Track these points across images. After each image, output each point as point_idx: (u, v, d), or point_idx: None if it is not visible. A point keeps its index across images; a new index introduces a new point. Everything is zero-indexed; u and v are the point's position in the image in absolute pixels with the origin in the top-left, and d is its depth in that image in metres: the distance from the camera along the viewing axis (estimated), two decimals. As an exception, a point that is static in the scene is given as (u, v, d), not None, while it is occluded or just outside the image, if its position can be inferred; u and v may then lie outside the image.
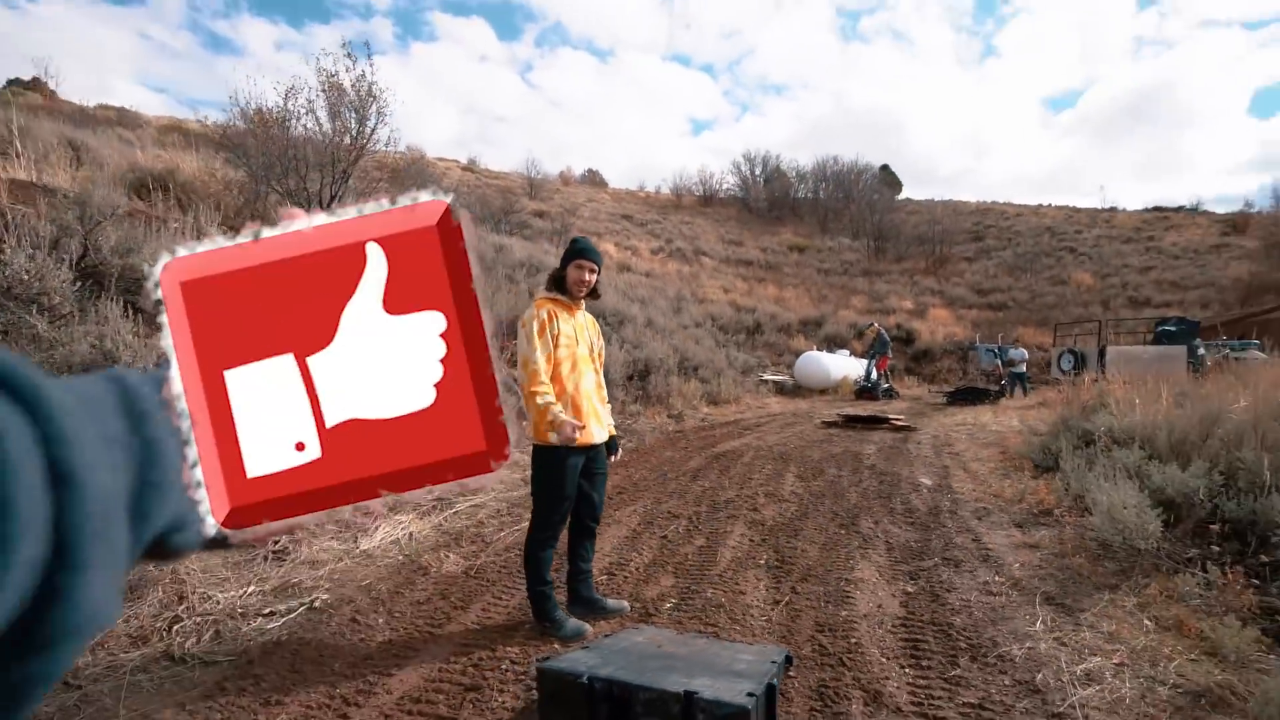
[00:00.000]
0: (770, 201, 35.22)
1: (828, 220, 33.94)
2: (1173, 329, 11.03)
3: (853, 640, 2.49)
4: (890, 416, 8.44)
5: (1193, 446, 3.86)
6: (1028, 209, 35.66)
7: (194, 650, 2.30)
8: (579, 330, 2.45)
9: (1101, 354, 11.15)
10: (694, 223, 32.89)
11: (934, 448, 6.59)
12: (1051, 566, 3.22)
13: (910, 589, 2.98)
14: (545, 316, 2.37)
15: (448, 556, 3.38)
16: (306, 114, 6.18)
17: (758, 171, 37.73)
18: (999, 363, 13.55)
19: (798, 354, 17.12)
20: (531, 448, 2.45)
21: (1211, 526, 3.12)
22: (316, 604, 2.75)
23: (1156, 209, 32.99)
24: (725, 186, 37.12)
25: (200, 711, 1.97)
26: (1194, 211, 31.38)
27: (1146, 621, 2.59)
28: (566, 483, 2.41)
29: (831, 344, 18.01)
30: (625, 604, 2.71)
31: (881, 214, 30.91)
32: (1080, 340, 14.21)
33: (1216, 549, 2.90)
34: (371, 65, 6.57)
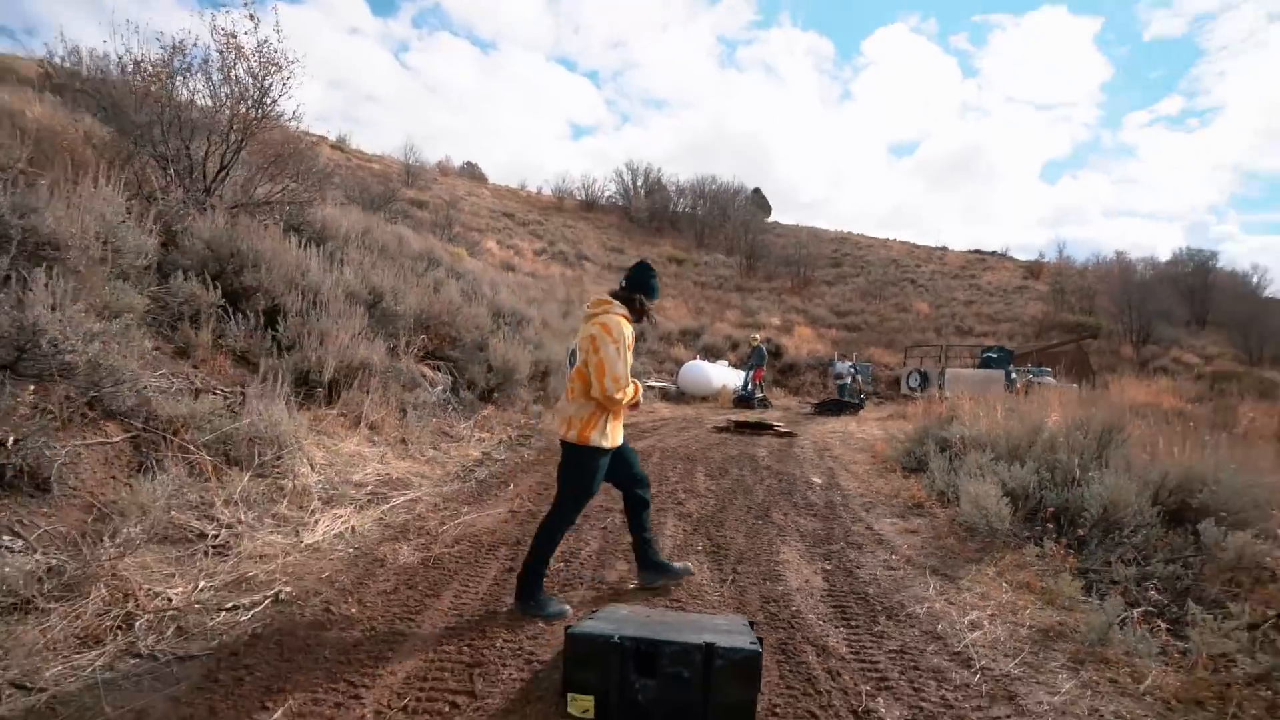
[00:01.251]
0: (651, 212, 36.58)
1: (704, 236, 35.88)
2: (994, 355, 13.38)
3: (793, 609, 2.98)
4: (774, 424, 9.35)
5: (1024, 450, 4.91)
6: (877, 241, 40.30)
7: (162, 647, 2.21)
8: None
9: (942, 374, 13.16)
10: (576, 227, 33.25)
11: (815, 451, 7.48)
12: (931, 547, 3.99)
13: (828, 567, 3.56)
14: (631, 337, 2.63)
15: (399, 548, 3.42)
16: (198, 73, 5.60)
17: (639, 182, 38.95)
18: (853, 372, 15.16)
19: (679, 362, 18.05)
20: (571, 448, 2.64)
21: (1040, 512, 4.06)
22: (281, 596, 2.72)
23: (976, 251, 38.93)
24: (607, 194, 37.88)
25: (197, 703, 1.95)
26: (1003, 256, 37.49)
27: (1004, 584, 3.37)
28: (596, 481, 2.68)
29: (709, 354, 19.20)
30: (690, 566, 3.12)
31: (754, 234, 33.35)
32: (925, 362, 16.52)
33: (1047, 528, 3.80)
34: (279, 32, 6.11)
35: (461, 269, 10.83)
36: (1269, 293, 26.31)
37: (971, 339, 21.76)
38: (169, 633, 2.29)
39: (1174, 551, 3.38)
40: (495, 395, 7.92)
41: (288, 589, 2.74)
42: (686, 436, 8.14)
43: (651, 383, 14.63)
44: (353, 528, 3.62)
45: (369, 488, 4.19)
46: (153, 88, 5.28)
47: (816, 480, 5.90)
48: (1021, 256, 37.87)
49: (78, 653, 2.10)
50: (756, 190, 45.67)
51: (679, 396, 14.32)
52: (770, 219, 43.04)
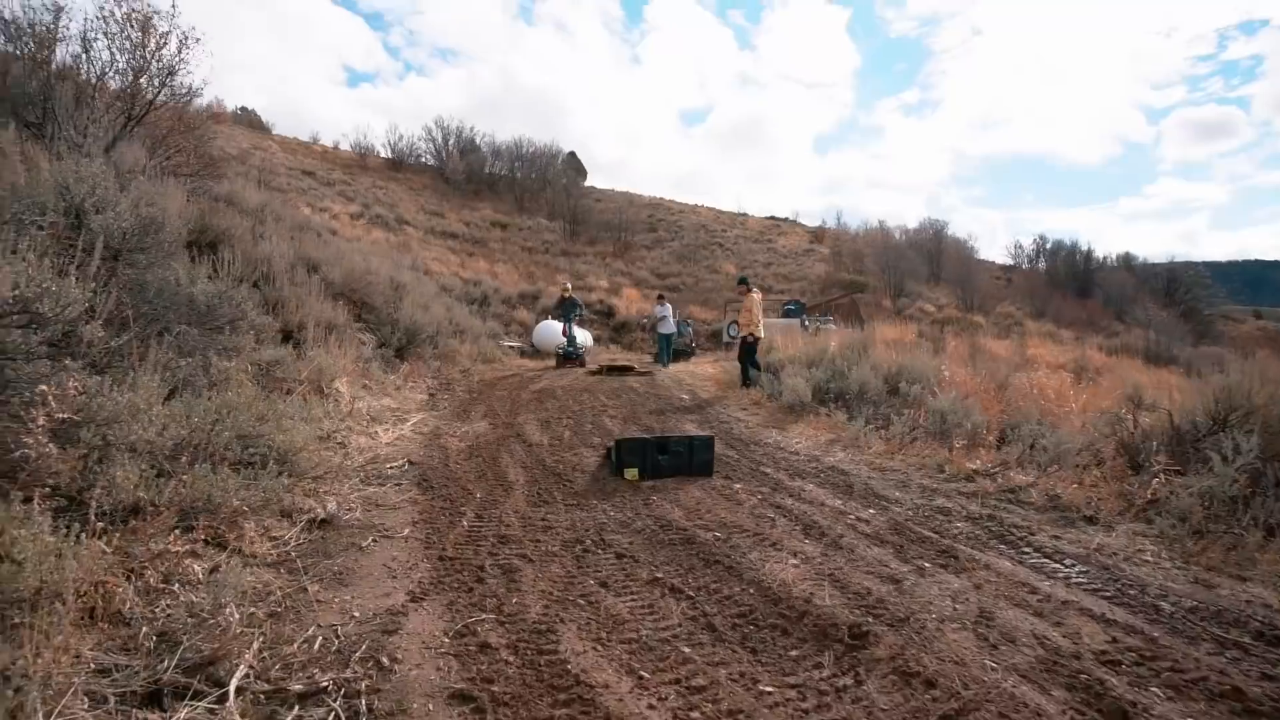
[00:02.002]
0: (468, 174, 36.75)
1: (524, 200, 37.17)
2: (792, 308, 17.53)
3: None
4: (634, 366, 11.98)
5: (816, 362, 8.04)
6: (687, 207, 44.88)
7: (378, 477, 4.04)
8: None
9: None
10: (387, 188, 32.56)
11: (673, 383, 10.21)
12: (768, 420, 6.84)
13: (710, 430, 6.16)
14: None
15: (448, 441, 5.30)
16: (79, 40, 6.06)
17: (452, 142, 38.60)
18: (677, 326, 18.16)
19: (523, 324, 19.90)
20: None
21: (825, 394, 7.11)
22: (412, 460, 4.52)
23: (771, 218, 45.46)
24: (417, 153, 37.13)
25: (429, 492, 3.89)
26: (794, 223, 44.35)
27: (809, 429, 6.26)
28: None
29: (545, 317, 21.26)
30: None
31: (574, 199, 35.46)
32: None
33: (828, 402, 6.83)
34: (175, 6, 6.81)
35: (335, 236, 11.64)
36: (980, 255, 35.45)
37: (772, 296, 26.49)
38: (375, 472, 4.08)
39: (891, 405, 6.54)
40: (405, 354, 9.38)
41: (406, 460, 4.56)
42: (570, 379, 10.35)
43: (507, 342, 16.42)
44: (403, 435, 5.36)
45: (390, 412, 5.86)
46: (36, 52, 5.91)
47: (684, 396, 8.57)
48: (808, 223, 45.23)
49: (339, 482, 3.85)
50: (572, 154, 47.49)
51: (535, 353, 16.31)
52: (587, 183, 45.39)
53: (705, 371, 12.19)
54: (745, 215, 45.01)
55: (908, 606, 2.54)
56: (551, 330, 16.42)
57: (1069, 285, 32.96)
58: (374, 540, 3.11)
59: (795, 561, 3.00)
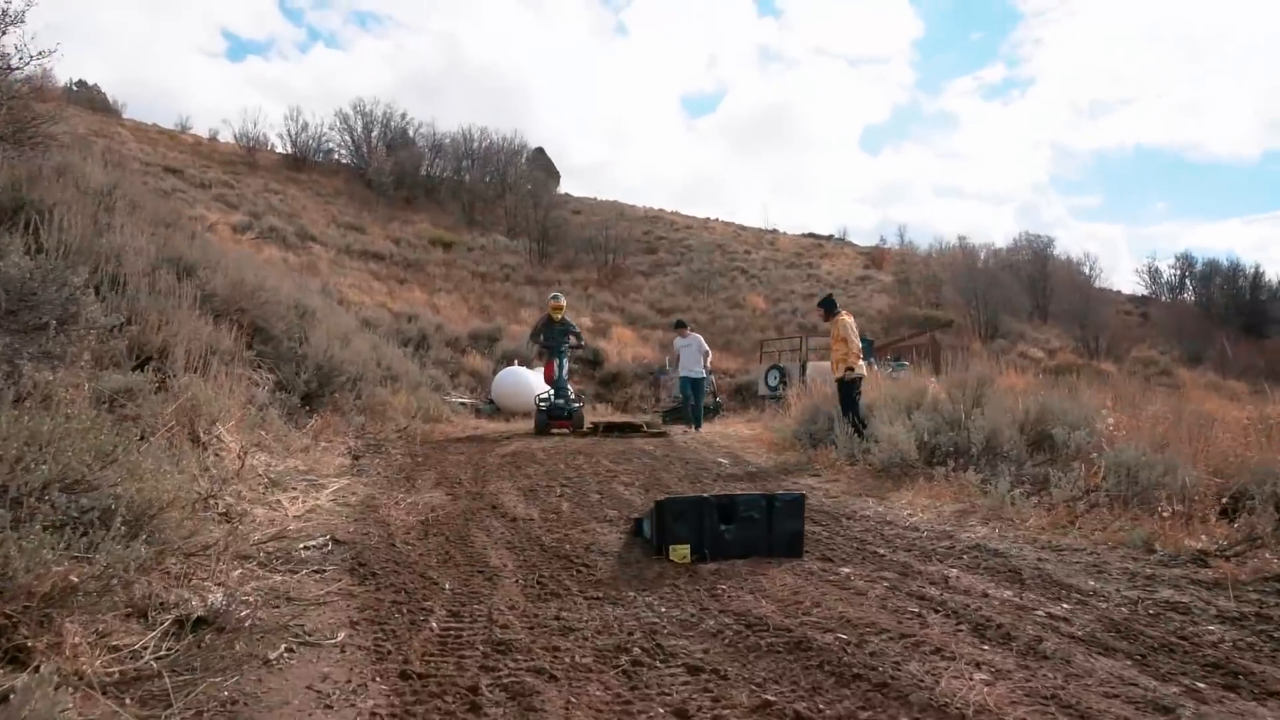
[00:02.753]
0: (397, 176, 36.81)
1: (476, 210, 37.44)
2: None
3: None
4: (642, 424, 11.55)
5: (914, 409, 7.65)
6: (697, 222, 45.47)
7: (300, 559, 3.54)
8: None
9: (803, 369, 16.57)
10: (286, 193, 32.69)
11: (701, 445, 9.78)
12: (855, 487, 6.41)
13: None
14: None
15: (390, 514, 4.82)
16: None
17: (375, 133, 38.96)
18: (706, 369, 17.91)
19: (475, 374, 19.55)
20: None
21: (936, 452, 6.70)
22: (337, 538, 4.05)
23: (811, 235, 46.07)
24: (327, 147, 37.37)
25: (374, 584, 3.39)
26: (842, 241, 44.91)
27: (921, 497, 5.83)
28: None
29: (510, 363, 20.99)
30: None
31: (545, 210, 35.60)
32: (782, 357, 20.12)
33: (946, 461, 6.41)
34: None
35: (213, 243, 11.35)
36: (1099, 283, 35.80)
37: (818, 336, 26.39)
38: (281, 554, 3.59)
39: (1039, 462, 6.13)
40: (314, 402, 8.93)
41: (327, 537, 4.08)
42: (554, 441, 9.91)
43: (456, 398, 16.00)
44: (318, 506, 4.89)
45: (297, 476, 5.38)
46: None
47: (723, 460, 8.13)
48: (859, 241, 45.83)
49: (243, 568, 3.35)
50: (540, 151, 48.19)
51: (495, 412, 15.88)
52: (560, 189, 45.89)
53: (740, 432, 11.78)
54: (775, 232, 45.56)
55: None
56: (519, 381, 16.04)
57: (1231, 321, 33.12)
58: (288, 650, 2.62)
59: (984, 676, 2.54)
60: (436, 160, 39.69)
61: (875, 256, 40.71)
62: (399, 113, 39.77)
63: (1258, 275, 36.20)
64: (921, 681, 2.48)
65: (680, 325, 13.68)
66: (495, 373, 17.94)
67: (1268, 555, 3.98)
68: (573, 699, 2.34)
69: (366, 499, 5.48)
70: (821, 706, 2.31)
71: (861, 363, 8.59)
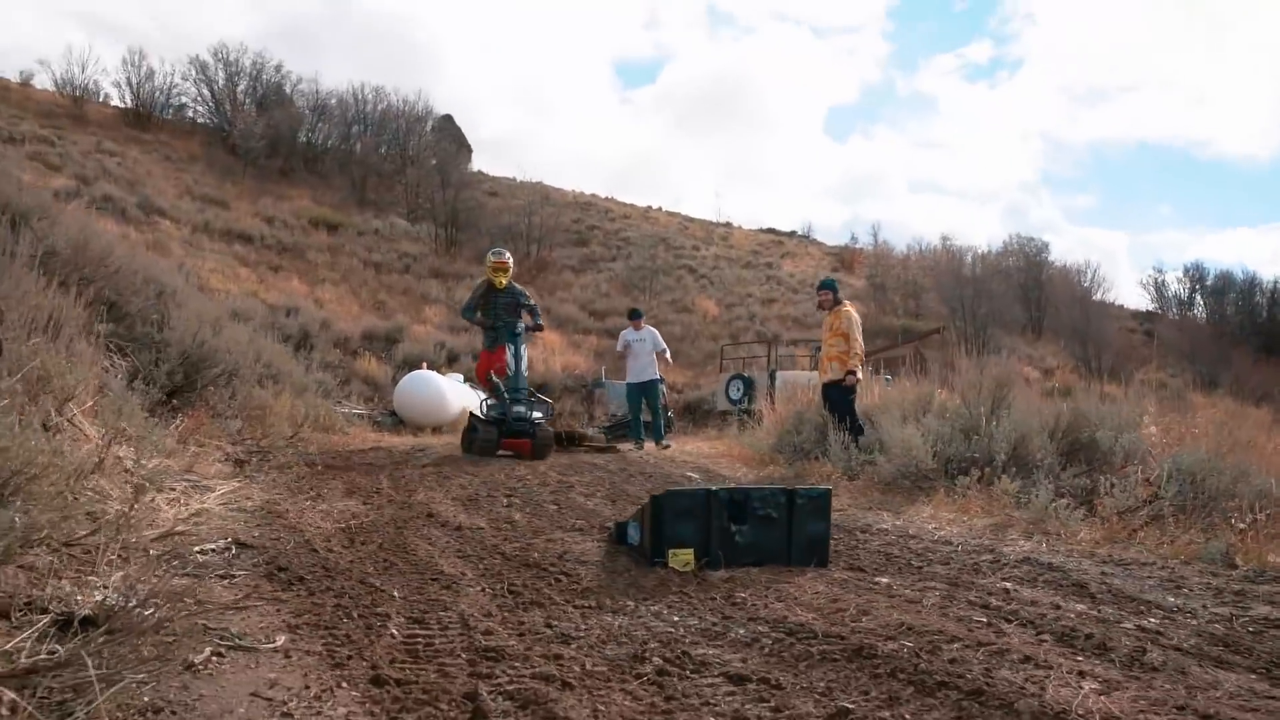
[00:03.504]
0: (270, 141, 35.61)
1: (369, 187, 36.74)
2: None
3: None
4: (586, 433, 11.45)
5: (923, 414, 7.72)
6: (636, 211, 45.67)
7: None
8: None
9: (773, 379, 16.66)
10: (125, 155, 31.44)
11: (662, 459, 9.71)
12: (863, 501, 6.40)
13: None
14: None
15: (303, 518, 4.60)
16: None
17: (242, 87, 37.76)
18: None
19: (370, 381, 19.14)
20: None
21: (951, 462, 6.76)
22: (241, 540, 3.83)
23: (770, 231, 46.71)
24: (179, 101, 36.07)
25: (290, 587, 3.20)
26: (806, 239, 45.63)
27: (944, 510, 5.84)
28: None
29: (414, 368, 20.66)
30: None
31: (455, 189, 35.14)
32: (746, 366, 20.24)
33: (968, 470, 6.46)
34: None
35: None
36: (1099, 296, 37.11)
37: (784, 346, 26.67)
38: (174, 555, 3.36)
39: (1077, 473, 6.23)
40: (180, 399, 8.56)
41: (229, 540, 3.89)
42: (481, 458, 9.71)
43: (349, 408, 15.60)
44: (206, 509, 4.65)
45: (174, 476, 5.13)
46: None
47: (693, 475, 8.06)
48: (825, 240, 46.64)
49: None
50: (447, 118, 47.70)
51: (396, 424, 15.54)
52: (472, 166, 45.41)
53: (701, 449, 11.75)
54: (729, 226, 46.07)
55: None
56: (427, 388, 15.69)
57: (1248, 341, 34.67)
58: (216, 655, 2.42)
59: (1095, 685, 2.48)
60: (319, 125, 38.57)
61: (845, 257, 41.47)
62: (272, 64, 38.18)
63: (1276, 290, 37.96)
64: (1024, 689, 2.42)
65: (635, 315, 13.19)
66: (396, 379, 17.60)
67: None
68: (600, 707, 2.19)
69: (266, 505, 5.27)
70: (909, 716, 2.22)
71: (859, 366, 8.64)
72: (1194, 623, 3.35)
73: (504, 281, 9.90)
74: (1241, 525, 4.60)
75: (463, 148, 45.07)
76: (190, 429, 7.72)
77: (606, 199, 47.70)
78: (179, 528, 4.08)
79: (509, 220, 34.91)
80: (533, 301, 10.45)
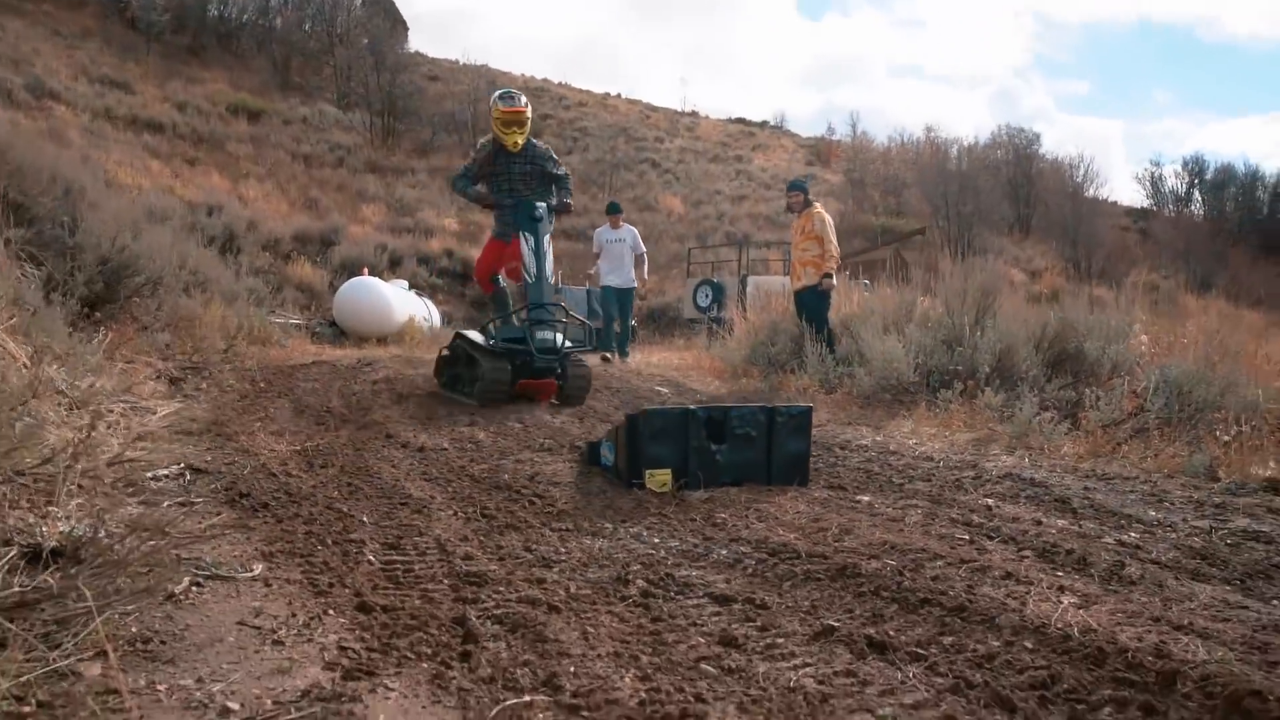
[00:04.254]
0: (176, 16, 34.32)
1: (293, 69, 35.76)
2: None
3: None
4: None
5: (905, 323, 7.97)
6: (593, 98, 45.07)
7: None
8: None
9: (743, 285, 16.86)
10: (6, 29, 30.18)
11: (629, 373, 9.92)
12: (843, 415, 6.67)
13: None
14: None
15: (257, 439, 4.74)
16: None
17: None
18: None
19: (303, 287, 19.09)
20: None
21: (932, 375, 7.01)
22: (197, 466, 3.98)
23: (740, 121, 46.40)
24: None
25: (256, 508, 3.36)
26: (779, 130, 45.42)
27: (925, 425, 6.12)
28: None
29: (354, 273, 20.55)
30: None
31: (391, 72, 34.31)
32: (715, 271, 20.40)
33: (951, 383, 6.73)
34: None
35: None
36: (1092, 192, 37.52)
37: (756, 247, 26.81)
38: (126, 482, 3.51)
39: (1059, 383, 6.52)
40: (101, 310, 8.56)
41: (182, 466, 4.04)
42: (426, 372, 9.84)
43: (285, 316, 15.60)
44: (150, 431, 4.78)
45: (109, 398, 5.23)
46: None
47: (663, 390, 8.28)
48: (799, 131, 46.45)
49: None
50: (382, -11, 46.28)
51: (337, 336, 15.58)
52: (409, 46, 44.23)
53: (669, 361, 11.98)
54: (695, 116, 45.67)
55: None
56: (370, 296, 15.66)
57: (1247, 239, 35.38)
58: (195, 585, 2.59)
59: (1074, 599, 2.74)
60: (233, -1, 37.37)
61: (821, 150, 41.42)
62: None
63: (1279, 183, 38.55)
64: (1005, 604, 2.65)
65: (613, 210, 12.82)
66: (335, 286, 17.56)
67: None
68: (589, 629, 2.39)
69: (213, 426, 5.43)
70: (893, 633, 2.44)
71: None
72: (1173, 536, 3.63)
73: (519, 141, 7.42)
74: (1226, 438, 4.89)
75: (398, 25, 43.88)
76: (114, 343, 7.77)
77: (560, 84, 47.00)
78: (128, 453, 4.20)
79: (452, 108, 34.37)
80: (564, 170, 7.86)
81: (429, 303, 18.16)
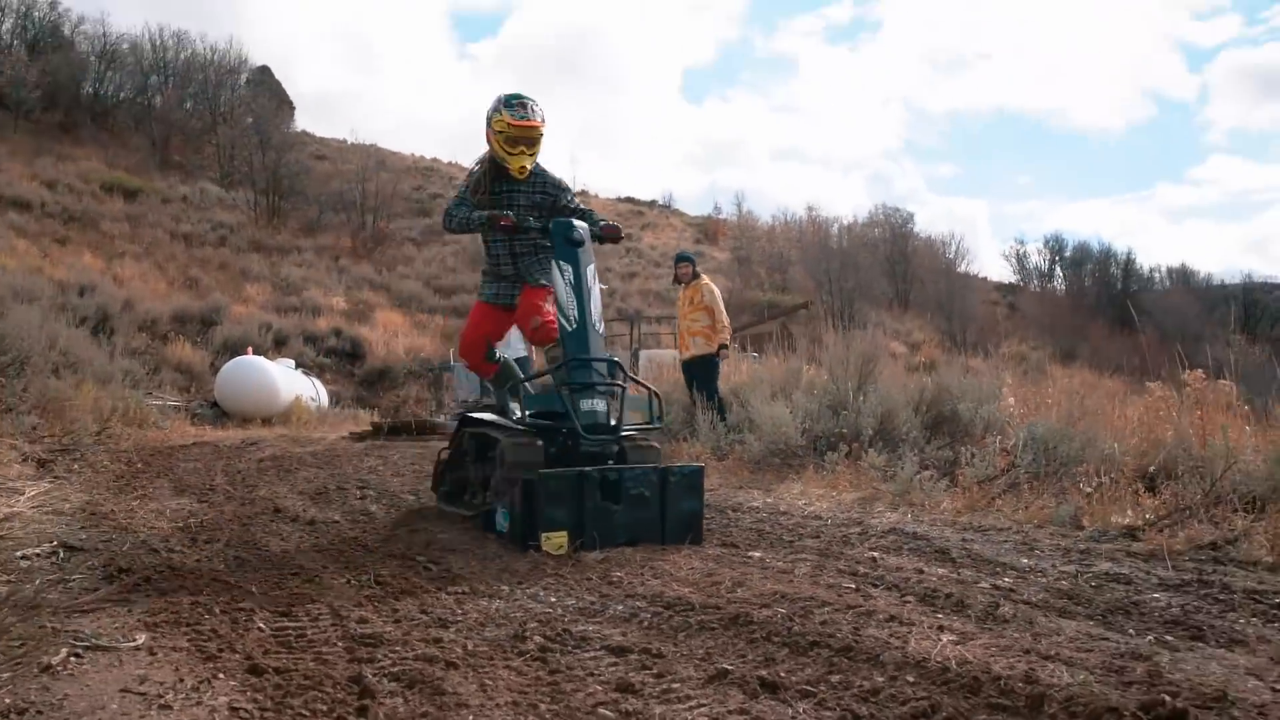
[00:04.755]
0: (47, 93, 33.43)
1: (172, 147, 35.11)
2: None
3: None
4: (439, 421, 11.60)
5: (791, 389, 8.20)
6: (483, 177, 45.29)
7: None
8: None
9: (635, 358, 17.05)
10: None
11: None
12: (733, 481, 6.81)
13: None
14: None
15: (135, 517, 4.64)
16: None
17: (5, 26, 35.18)
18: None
19: (184, 369, 18.63)
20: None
21: (819, 439, 7.23)
22: (70, 544, 3.90)
23: (629, 200, 47.20)
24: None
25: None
26: (667, 209, 46.33)
27: (813, 486, 6.29)
28: None
29: (236, 353, 20.09)
30: None
31: (277, 151, 34.01)
32: (609, 345, 20.55)
33: (837, 445, 6.94)
34: None
35: None
36: (963, 267, 39.23)
37: (647, 323, 27.12)
38: None
39: (938, 443, 6.79)
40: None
41: (55, 543, 3.97)
42: (316, 446, 9.71)
43: (165, 399, 15.15)
44: (16, 512, 4.67)
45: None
46: None
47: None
48: (687, 210, 47.49)
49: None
50: (264, 70, 46.01)
51: (218, 417, 15.18)
52: (295, 125, 43.97)
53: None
54: (585, 194, 46.28)
55: (1204, 684, 2.47)
56: (255, 375, 15.36)
57: (1104, 312, 37.36)
58: (74, 655, 2.52)
59: (952, 637, 2.87)
60: (109, 74, 36.53)
61: (708, 228, 42.35)
62: (45, 1, 35.94)
63: (1129, 263, 41.07)
64: (889, 643, 2.77)
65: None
66: (216, 366, 17.19)
67: (1198, 525, 4.67)
68: (487, 682, 2.41)
69: (87, 506, 5.30)
70: (784, 673, 2.52)
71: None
72: (1043, 580, 3.83)
73: (528, 166, 5.43)
74: (1088, 489, 5.18)
75: (283, 104, 43.66)
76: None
77: (450, 164, 47.26)
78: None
79: (340, 187, 34.22)
80: (583, 206, 5.76)
81: (316, 382, 17.94)
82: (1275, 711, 2.36)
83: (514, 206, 5.37)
